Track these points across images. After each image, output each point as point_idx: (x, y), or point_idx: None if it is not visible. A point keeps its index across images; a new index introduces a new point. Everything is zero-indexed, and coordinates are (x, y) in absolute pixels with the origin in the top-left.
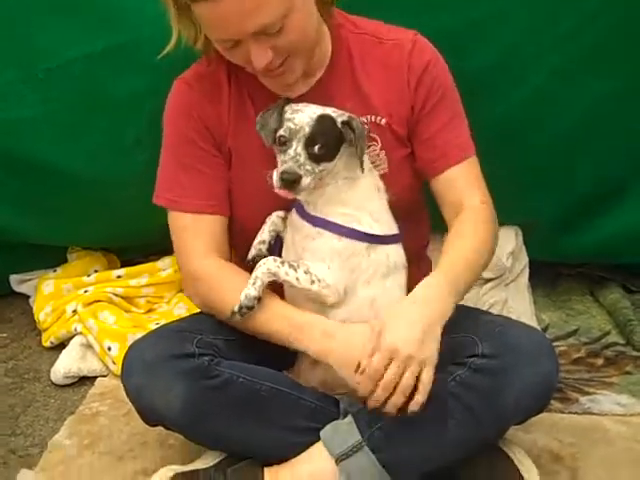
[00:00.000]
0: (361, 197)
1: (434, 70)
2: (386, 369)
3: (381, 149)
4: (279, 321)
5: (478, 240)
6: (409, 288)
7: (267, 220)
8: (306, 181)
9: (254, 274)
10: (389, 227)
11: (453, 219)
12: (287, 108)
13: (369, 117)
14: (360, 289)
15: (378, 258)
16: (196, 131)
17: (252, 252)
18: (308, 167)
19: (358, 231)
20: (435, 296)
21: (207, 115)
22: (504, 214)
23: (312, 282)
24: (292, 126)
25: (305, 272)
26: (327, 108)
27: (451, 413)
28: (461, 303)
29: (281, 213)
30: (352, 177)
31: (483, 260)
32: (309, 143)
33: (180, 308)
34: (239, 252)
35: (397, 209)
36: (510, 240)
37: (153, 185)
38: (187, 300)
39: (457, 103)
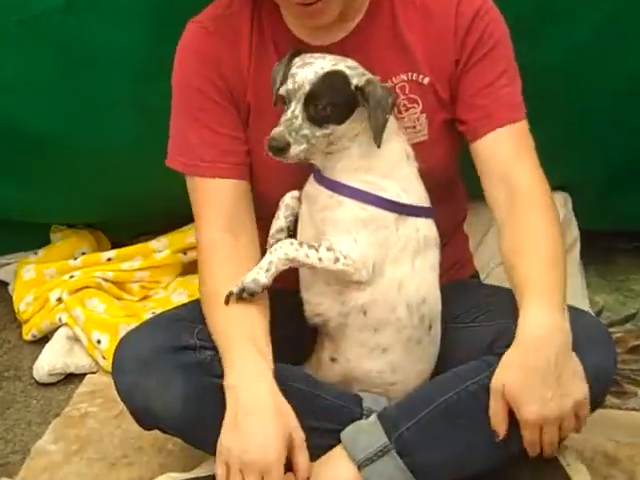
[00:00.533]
0: (387, 163)
1: (486, 17)
2: (541, 433)
3: (422, 112)
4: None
5: (550, 233)
6: (442, 268)
7: (280, 205)
8: (296, 149)
9: (267, 258)
10: (419, 198)
11: (499, 196)
12: (297, 60)
13: (410, 75)
14: (387, 269)
15: (407, 232)
16: (211, 83)
17: (270, 242)
18: (305, 131)
19: (385, 199)
20: (545, 331)
21: (225, 65)
22: (550, 178)
23: (336, 260)
24: (292, 84)
25: (328, 249)
26: (347, 61)
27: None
28: (505, 285)
29: (295, 193)
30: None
31: (562, 250)
32: (309, 102)
33: (180, 294)
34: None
35: (432, 181)
36: (559, 208)
37: (147, 151)
38: (188, 285)
39: (510, 58)
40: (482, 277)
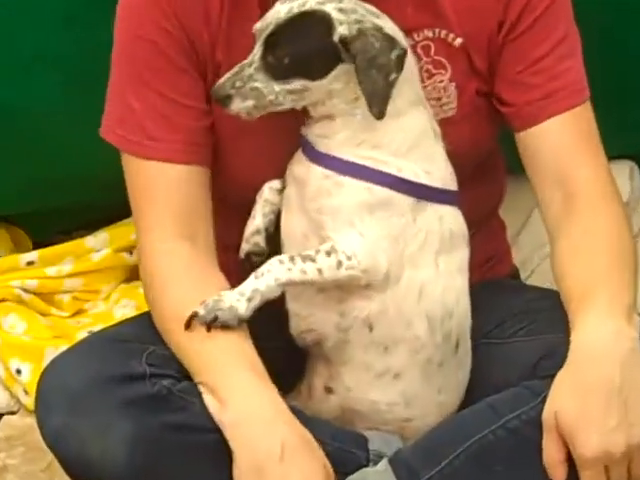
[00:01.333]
0: (404, 140)
1: None
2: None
3: (451, 80)
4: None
5: (613, 229)
6: (472, 263)
7: (257, 199)
8: (239, 104)
9: (252, 284)
10: (444, 181)
11: (553, 200)
12: None
13: (437, 32)
14: (405, 270)
15: (428, 224)
16: (166, 34)
17: (244, 247)
18: (256, 84)
19: (398, 177)
20: (606, 342)
21: (186, 11)
22: (609, 144)
23: (339, 264)
24: (261, 23)
25: (328, 253)
26: (346, 2)
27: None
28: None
29: (275, 184)
30: (388, 111)
31: (630, 246)
32: (268, 48)
33: (124, 307)
34: (229, 228)
35: (461, 166)
36: (623, 183)
37: (78, 119)
38: (134, 293)
39: (570, 19)
40: (524, 276)
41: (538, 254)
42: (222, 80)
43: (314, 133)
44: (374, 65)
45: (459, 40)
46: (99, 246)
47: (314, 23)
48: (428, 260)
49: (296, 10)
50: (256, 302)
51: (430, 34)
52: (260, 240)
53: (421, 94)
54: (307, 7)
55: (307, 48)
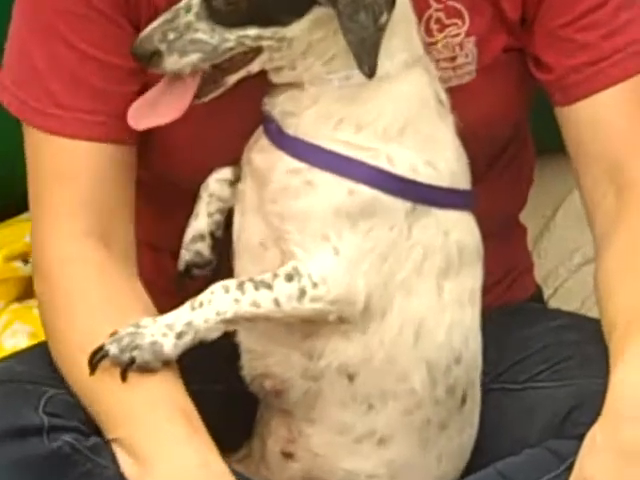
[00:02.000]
0: (395, 115)
1: None
2: None
3: (469, 34)
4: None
5: None
6: (485, 280)
7: (201, 192)
8: (176, 61)
9: (185, 315)
10: (451, 175)
11: (603, 195)
12: None
13: None
14: (394, 300)
15: (428, 236)
16: None
17: (184, 256)
18: (199, 35)
19: (390, 174)
20: None
21: None
22: None
23: (301, 293)
24: None
25: (288, 277)
26: None
27: None
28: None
29: (225, 173)
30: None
31: None
32: None
33: (15, 333)
34: (163, 225)
35: (478, 148)
36: None
37: None
38: (29, 316)
39: None
40: (546, 295)
41: (565, 267)
42: (145, 31)
43: (279, 108)
44: (361, 6)
45: None
46: None
47: None
48: (428, 286)
49: None
50: (187, 340)
51: None
52: (204, 248)
53: (420, 50)
54: None
55: None
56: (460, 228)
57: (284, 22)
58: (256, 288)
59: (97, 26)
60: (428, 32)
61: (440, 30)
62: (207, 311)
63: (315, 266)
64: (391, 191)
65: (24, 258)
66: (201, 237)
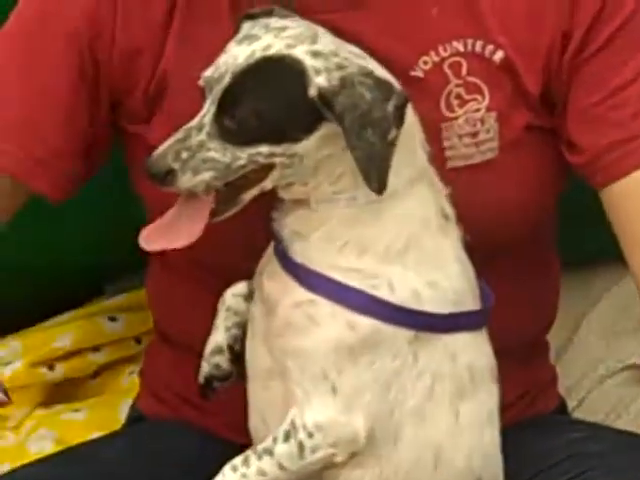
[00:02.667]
0: (397, 235)
1: None
2: None
3: (489, 109)
4: None
5: None
6: (503, 400)
7: (219, 306)
8: (190, 180)
9: None
10: (456, 294)
11: None
12: (246, 27)
13: (472, 43)
14: (406, 427)
15: (435, 362)
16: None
17: (204, 369)
18: (211, 154)
19: (390, 305)
20: None
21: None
22: None
23: (300, 449)
24: (212, 71)
25: (286, 436)
26: (320, 41)
27: None
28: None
29: (241, 288)
30: (376, 197)
31: None
32: (225, 106)
33: (42, 438)
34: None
35: (498, 241)
36: None
37: None
38: (54, 421)
39: None
40: (571, 405)
41: (589, 378)
42: (160, 150)
43: (288, 228)
44: (367, 122)
45: (500, 54)
46: (8, 358)
47: (281, 72)
48: (442, 410)
49: (259, 55)
50: None
51: (461, 47)
52: (223, 361)
53: (424, 163)
54: (273, 51)
55: (276, 104)
56: (469, 350)
57: (295, 139)
58: (259, 458)
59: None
60: (449, 107)
61: (461, 105)
62: None
63: (310, 413)
64: (391, 321)
65: (50, 364)
66: (219, 350)
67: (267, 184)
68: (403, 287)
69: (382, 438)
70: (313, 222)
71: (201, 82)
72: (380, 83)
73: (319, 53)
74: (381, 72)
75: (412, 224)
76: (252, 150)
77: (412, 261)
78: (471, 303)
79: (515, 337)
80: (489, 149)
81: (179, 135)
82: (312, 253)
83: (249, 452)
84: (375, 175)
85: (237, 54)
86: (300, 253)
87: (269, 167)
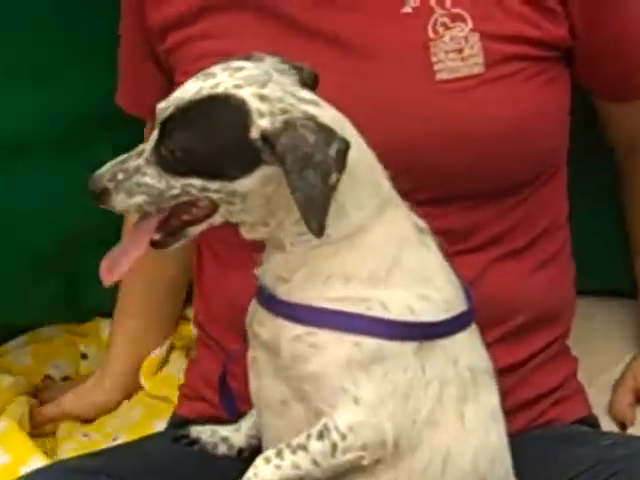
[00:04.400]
0: (379, 262)
1: None
2: None
3: (473, 31)
4: None
5: None
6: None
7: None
8: (123, 201)
9: None
10: (447, 304)
11: None
12: (225, 61)
13: None
14: (424, 436)
15: (440, 370)
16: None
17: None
18: (145, 179)
19: (388, 321)
20: None
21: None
22: None
23: (333, 449)
24: (162, 103)
25: (320, 436)
26: (273, 84)
27: None
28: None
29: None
30: (347, 232)
31: None
32: (162, 136)
33: None
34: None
35: (492, 174)
36: None
37: None
38: None
39: None
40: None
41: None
42: (100, 169)
43: (270, 274)
44: (309, 164)
45: None
46: None
47: (225, 112)
48: (450, 415)
49: (205, 92)
50: None
51: None
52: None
53: (388, 190)
54: (219, 90)
55: (203, 142)
56: (467, 351)
57: (229, 177)
58: (293, 452)
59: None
60: (435, 32)
61: (446, 29)
62: None
63: (340, 418)
64: (393, 337)
65: None
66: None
67: (215, 220)
68: (396, 305)
69: (404, 448)
70: (291, 264)
71: (157, 110)
72: (322, 128)
73: (265, 97)
74: (330, 116)
75: (390, 248)
76: (185, 181)
77: (398, 280)
78: (460, 305)
79: (529, 301)
80: (475, 64)
81: (121, 158)
82: (298, 292)
83: (282, 446)
84: (315, 217)
85: (188, 89)
86: (287, 294)
87: (215, 204)
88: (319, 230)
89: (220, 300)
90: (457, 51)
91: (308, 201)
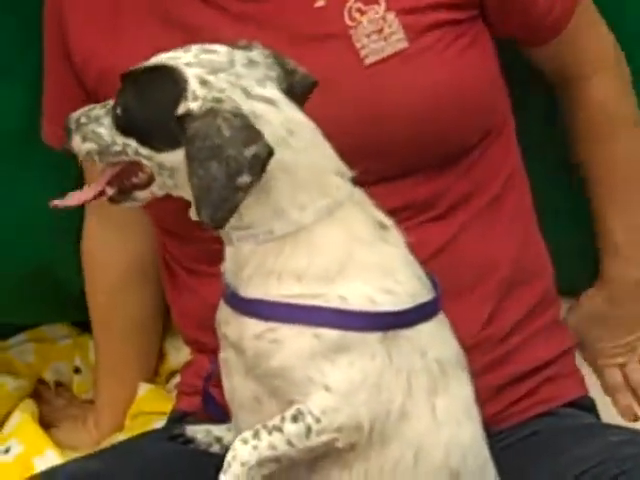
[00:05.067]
0: (327, 258)
1: None
2: None
3: (388, 10)
4: None
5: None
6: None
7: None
8: (77, 142)
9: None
10: (413, 297)
11: None
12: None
13: None
14: (396, 427)
15: (407, 360)
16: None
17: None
18: (100, 130)
19: (348, 312)
20: None
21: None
22: None
23: (308, 431)
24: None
25: (294, 418)
26: (220, 62)
27: None
28: None
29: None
30: (289, 230)
31: None
32: (118, 94)
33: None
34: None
35: (454, 144)
36: None
37: None
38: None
39: None
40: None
41: None
42: (76, 111)
43: (227, 269)
44: (215, 156)
45: None
46: None
47: (164, 84)
48: (421, 407)
49: (159, 61)
50: None
51: None
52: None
53: (346, 189)
54: (171, 63)
55: (138, 107)
56: (435, 342)
57: (156, 147)
58: (269, 433)
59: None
60: (352, 19)
61: (362, 14)
62: (234, 469)
63: (313, 404)
64: (353, 327)
65: None
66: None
67: (154, 190)
68: (356, 297)
69: (378, 436)
70: (242, 260)
71: None
72: (248, 127)
73: (207, 82)
74: (279, 117)
75: (341, 246)
76: (125, 140)
77: (355, 275)
78: (426, 296)
79: (505, 254)
80: (397, 40)
81: (92, 105)
82: (256, 289)
83: (259, 427)
84: (208, 209)
85: (160, 55)
86: (245, 291)
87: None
88: (211, 222)
89: (192, 300)
90: (377, 32)
91: (203, 190)
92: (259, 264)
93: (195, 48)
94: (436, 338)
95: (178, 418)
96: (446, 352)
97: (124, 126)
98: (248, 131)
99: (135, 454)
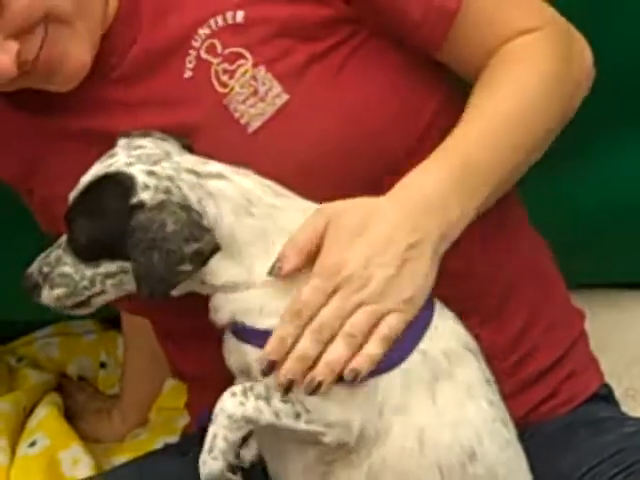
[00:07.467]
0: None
1: None
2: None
3: (255, 66)
4: None
5: (522, 81)
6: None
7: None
8: (50, 294)
9: (209, 431)
10: None
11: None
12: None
13: (209, 24)
14: (394, 423)
15: (407, 359)
16: None
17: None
18: (66, 269)
19: None
20: (420, 190)
21: None
22: None
23: (297, 416)
24: (75, 191)
25: (284, 401)
26: (160, 160)
27: None
28: None
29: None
30: (239, 280)
31: (537, 113)
32: (69, 223)
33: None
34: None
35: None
36: None
37: None
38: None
39: None
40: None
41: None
42: (31, 266)
43: (221, 311)
44: (156, 248)
45: (240, 14)
46: None
47: (114, 189)
48: (420, 397)
49: (100, 172)
50: (220, 446)
51: (207, 30)
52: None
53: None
54: (112, 169)
55: (103, 225)
56: (438, 339)
57: (127, 256)
58: (256, 398)
59: None
60: (222, 85)
61: (230, 77)
62: (220, 420)
63: (306, 398)
64: None
65: None
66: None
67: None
68: None
69: (373, 436)
70: (222, 302)
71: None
72: (192, 223)
73: (154, 173)
74: (236, 189)
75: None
76: (95, 270)
77: None
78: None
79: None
80: (275, 96)
81: (47, 251)
82: (248, 317)
83: (247, 386)
84: (148, 288)
85: (89, 172)
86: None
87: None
88: (150, 297)
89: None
90: (253, 94)
91: (143, 274)
92: (237, 307)
93: (121, 150)
94: (439, 334)
95: (191, 436)
96: (451, 342)
97: (90, 251)
98: (192, 226)
99: (150, 476)
